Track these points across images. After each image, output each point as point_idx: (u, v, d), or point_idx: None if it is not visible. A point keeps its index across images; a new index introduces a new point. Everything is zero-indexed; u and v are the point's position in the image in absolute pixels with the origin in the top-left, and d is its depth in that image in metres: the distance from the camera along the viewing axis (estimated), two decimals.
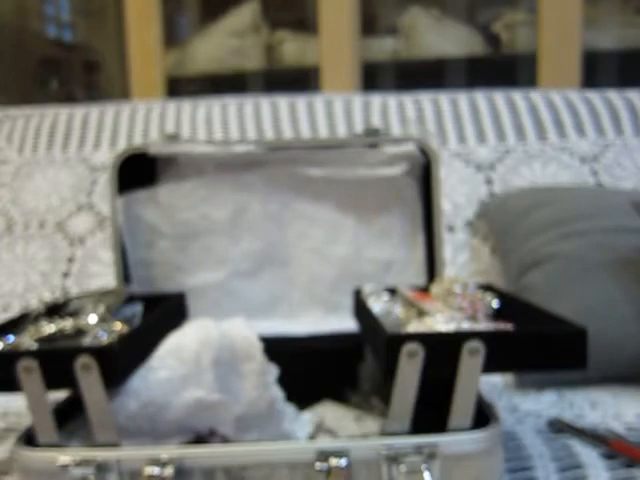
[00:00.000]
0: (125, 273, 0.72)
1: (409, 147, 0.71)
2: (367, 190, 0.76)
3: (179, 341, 0.52)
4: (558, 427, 0.61)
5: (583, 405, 0.67)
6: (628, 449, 0.55)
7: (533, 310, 0.56)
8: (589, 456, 0.55)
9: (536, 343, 0.46)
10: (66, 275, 1.02)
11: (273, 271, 0.77)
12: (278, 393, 0.53)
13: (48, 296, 0.69)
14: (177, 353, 0.51)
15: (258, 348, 0.53)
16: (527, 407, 0.68)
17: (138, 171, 0.72)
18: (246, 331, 0.53)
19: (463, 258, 1.02)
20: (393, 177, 0.74)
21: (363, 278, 0.75)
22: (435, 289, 0.62)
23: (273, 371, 0.54)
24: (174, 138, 0.73)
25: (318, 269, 0.77)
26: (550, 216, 0.92)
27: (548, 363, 0.47)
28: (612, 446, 0.56)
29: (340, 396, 0.65)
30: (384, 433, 0.48)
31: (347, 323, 0.69)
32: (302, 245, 0.77)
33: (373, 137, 0.73)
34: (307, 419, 0.57)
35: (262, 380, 0.51)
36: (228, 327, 0.54)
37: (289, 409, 0.56)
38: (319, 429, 0.57)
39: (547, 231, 0.90)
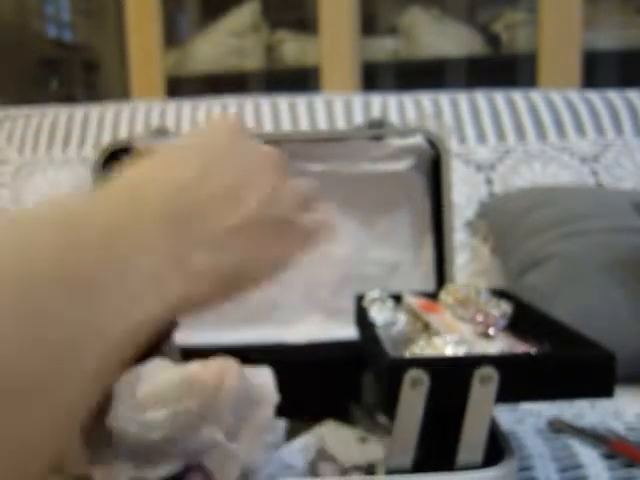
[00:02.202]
0: None
1: (416, 139, 0.66)
2: (371, 186, 0.70)
3: (195, 373, 0.49)
4: (558, 427, 0.61)
5: (583, 405, 0.67)
6: (628, 449, 0.55)
7: (551, 323, 0.52)
8: (589, 456, 0.55)
9: (558, 369, 0.41)
10: None
11: None
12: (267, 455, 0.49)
13: None
14: (192, 386, 0.48)
15: (272, 400, 0.48)
16: (527, 406, 0.68)
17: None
18: (267, 379, 0.49)
19: (463, 258, 1.02)
20: (399, 172, 0.68)
21: (366, 281, 0.69)
22: (444, 297, 0.58)
23: (280, 428, 0.50)
24: (161, 132, 0.67)
25: (318, 271, 0.71)
26: (550, 216, 0.92)
27: (571, 391, 0.42)
28: (612, 446, 0.56)
29: (342, 410, 0.61)
30: (387, 471, 0.43)
31: (349, 330, 0.63)
32: None
33: (377, 129, 0.66)
34: (306, 445, 0.53)
35: (262, 437, 0.48)
36: (249, 371, 0.50)
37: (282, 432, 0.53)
38: (320, 456, 0.53)
39: (547, 231, 0.90)
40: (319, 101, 1.18)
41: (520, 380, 0.41)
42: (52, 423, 0.24)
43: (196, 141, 0.35)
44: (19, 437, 0.23)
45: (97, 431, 0.49)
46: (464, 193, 1.06)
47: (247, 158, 0.34)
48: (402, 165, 0.68)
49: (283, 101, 1.18)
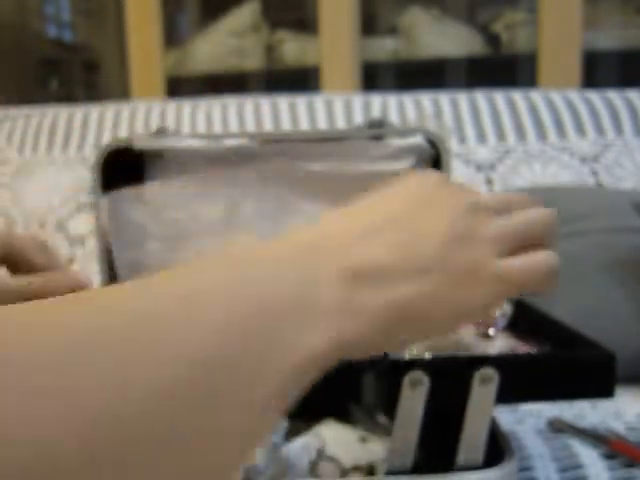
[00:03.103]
0: (112, 277, 0.67)
1: (416, 139, 0.66)
2: (371, 186, 0.71)
3: None
4: (558, 427, 0.61)
5: (583, 405, 0.67)
6: (628, 449, 0.55)
7: (551, 323, 0.51)
8: (589, 456, 0.55)
9: (558, 369, 0.41)
10: None
11: None
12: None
13: None
14: None
15: None
16: (527, 406, 0.68)
17: (124, 168, 0.67)
18: None
19: None
20: (399, 172, 0.69)
21: None
22: None
23: (280, 428, 0.50)
24: (161, 132, 0.68)
25: None
26: None
27: (571, 392, 0.42)
28: (612, 446, 0.56)
29: (342, 410, 0.59)
30: (387, 472, 0.43)
31: None
32: None
33: (377, 129, 0.66)
34: (307, 445, 0.53)
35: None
36: None
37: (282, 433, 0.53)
38: (320, 456, 0.53)
39: None
40: (319, 101, 1.18)
41: (520, 380, 0.41)
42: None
43: (385, 193, 0.36)
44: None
45: None
46: None
47: (439, 207, 0.33)
48: (402, 165, 0.68)
49: (283, 101, 1.18)
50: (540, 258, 0.34)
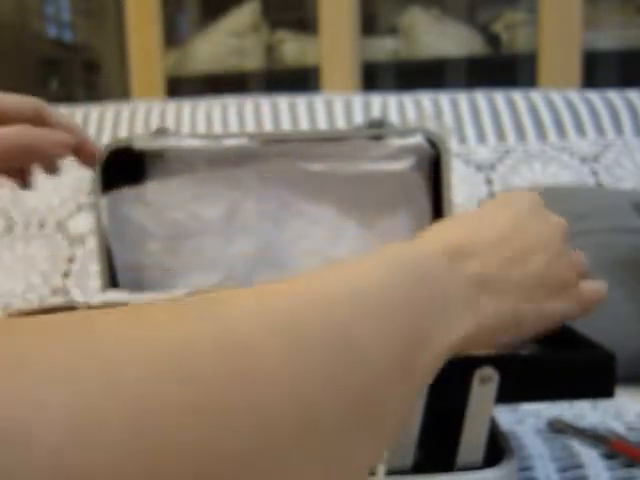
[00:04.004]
0: (112, 277, 0.67)
1: (416, 139, 0.66)
2: (371, 186, 0.69)
3: None
4: (558, 427, 0.61)
5: (583, 405, 0.67)
6: (628, 449, 0.55)
7: None
8: (589, 456, 0.55)
9: (558, 369, 0.41)
10: (66, 275, 1.03)
11: (269, 274, 0.70)
12: None
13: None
14: None
15: None
16: (527, 406, 0.68)
17: (124, 168, 0.67)
18: None
19: None
20: (399, 172, 0.68)
21: None
22: None
23: None
24: (161, 132, 0.68)
25: None
26: None
27: (571, 392, 0.42)
28: (612, 446, 0.56)
29: None
30: (387, 472, 0.43)
31: None
32: (300, 246, 0.71)
33: (377, 129, 0.66)
34: None
35: None
36: None
37: None
38: None
39: None
40: (319, 101, 1.18)
41: (520, 380, 0.41)
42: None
43: (501, 209, 0.41)
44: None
45: None
46: (464, 193, 1.06)
47: (541, 227, 0.40)
48: (402, 165, 0.68)
49: (283, 101, 1.18)
50: (603, 286, 0.41)
